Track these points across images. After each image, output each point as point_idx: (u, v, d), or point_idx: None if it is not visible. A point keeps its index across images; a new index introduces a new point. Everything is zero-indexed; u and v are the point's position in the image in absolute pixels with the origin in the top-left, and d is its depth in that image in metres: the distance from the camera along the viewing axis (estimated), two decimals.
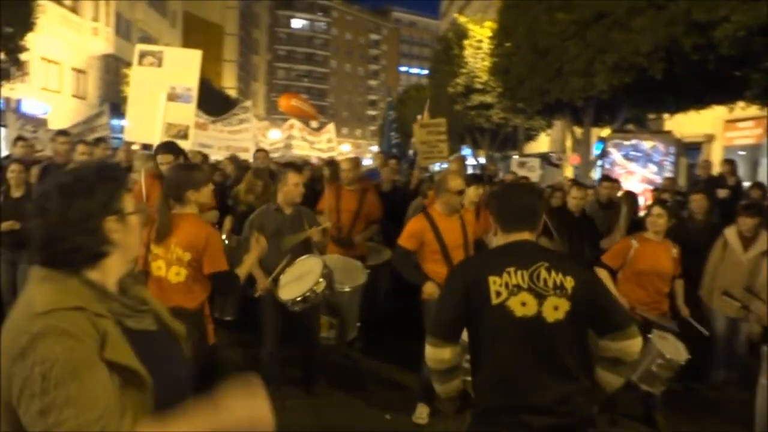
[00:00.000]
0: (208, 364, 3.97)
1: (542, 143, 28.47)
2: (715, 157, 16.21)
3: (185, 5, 49.03)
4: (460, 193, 4.80)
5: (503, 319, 2.37)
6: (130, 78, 6.86)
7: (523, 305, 2.35)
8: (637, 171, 13.36)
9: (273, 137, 15.93)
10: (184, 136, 6.63)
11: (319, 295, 4.84)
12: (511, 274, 2.39)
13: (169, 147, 5.35)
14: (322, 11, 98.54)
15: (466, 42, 24.07)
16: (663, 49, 9.70)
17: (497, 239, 2.63)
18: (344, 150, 37.15)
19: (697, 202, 6.61)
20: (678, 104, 13.33)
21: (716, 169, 11.53)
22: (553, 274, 2.38)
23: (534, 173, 17.57)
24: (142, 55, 6.78)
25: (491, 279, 2.40)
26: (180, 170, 4.12)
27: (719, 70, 9.63)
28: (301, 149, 14.69)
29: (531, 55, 13.50)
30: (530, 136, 26.47)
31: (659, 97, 12.47)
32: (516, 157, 21.90)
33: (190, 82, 6.77)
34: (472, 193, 5.80)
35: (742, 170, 13.14)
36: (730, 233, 5.92)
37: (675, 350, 4.59)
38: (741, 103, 11.52)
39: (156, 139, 6.41)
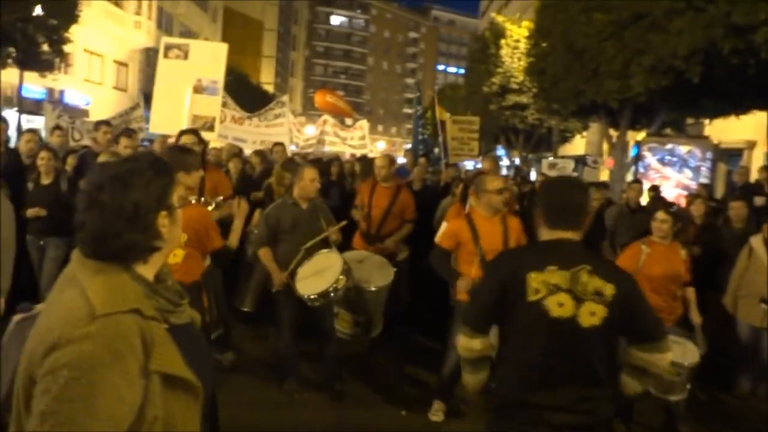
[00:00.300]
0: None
1: (578, 145, 28.06)
2: (757, 163, 15.80)
3: (226, 1, 49.67)
4: (500, 192, 4.67)
5: (537, 317, 2.34)
6: (157, 70, 6.91)
7: (560, 306, 2.32)
8: (672, 176, 13.12)
9: (309, 133, 15.96)
10: (210, 128, 6.71)
11: (339, 291, 4.85)
12: (552, 273, 2.35)
13: (193, 130, 5.48)
14: (361, 8, 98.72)
15: (503, 41, 23.86)
16: (701, 52, 9.45)
17: (541, 233, 2.56)
18: (379, 147, 37.13)
19: (736, 210, 6.50)
20: (716, 109, 13.00)
21: (754, 176, 11.26)
22: (594, 278, 2.34)
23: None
24: (168, 47, 6.85)
25: (531, 275, 2.36)
26: (173, 151, 4.22)
27: (759, 74, 9.35)
28: (334, 145, 14.71)
29: (567, 55, 13.32)
30: (565, 138, 26.11)
31: (697, 101, 12.17)
32: (551, 158, 21.62)
33: (216, 74, 6.82)
34: None
35: None
36: (756, 241, 5.82)
37: (682, 353, 4.44)
38: None
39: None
